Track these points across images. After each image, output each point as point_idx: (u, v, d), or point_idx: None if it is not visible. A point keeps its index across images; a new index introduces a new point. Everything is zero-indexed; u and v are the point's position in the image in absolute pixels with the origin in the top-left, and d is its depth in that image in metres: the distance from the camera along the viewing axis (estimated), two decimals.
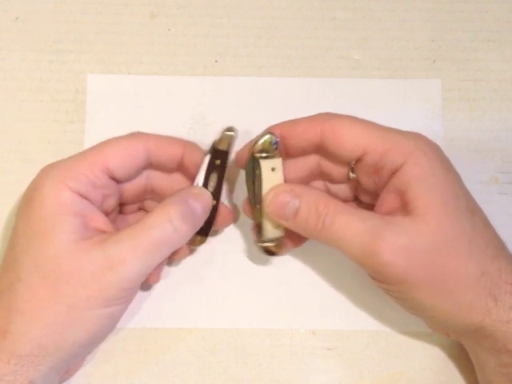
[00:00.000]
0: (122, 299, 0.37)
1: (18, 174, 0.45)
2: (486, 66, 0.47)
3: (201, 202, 0.38)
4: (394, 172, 0.36)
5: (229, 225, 0.43)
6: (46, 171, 0.38)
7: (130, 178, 0.40)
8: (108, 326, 0.38)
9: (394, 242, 0.35)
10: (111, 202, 0.40)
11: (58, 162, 0.39)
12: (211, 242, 0.44)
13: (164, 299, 0.43)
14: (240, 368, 0.43)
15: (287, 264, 0.44)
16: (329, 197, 0.37)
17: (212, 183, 0.40)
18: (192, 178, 0.40)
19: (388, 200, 0.37)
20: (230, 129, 0.40)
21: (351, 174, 0.39)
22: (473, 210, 0.36)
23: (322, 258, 0.44)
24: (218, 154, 0.40)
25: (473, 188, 0.44)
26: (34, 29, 0.47)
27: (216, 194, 0.40)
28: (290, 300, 0.44)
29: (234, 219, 0.44)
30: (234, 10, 0.48)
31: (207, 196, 0.39)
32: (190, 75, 0.47)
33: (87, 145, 0.45)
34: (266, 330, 0.43)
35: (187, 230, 0.37)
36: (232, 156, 0.41)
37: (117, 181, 0.39)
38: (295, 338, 0.43)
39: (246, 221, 0.44)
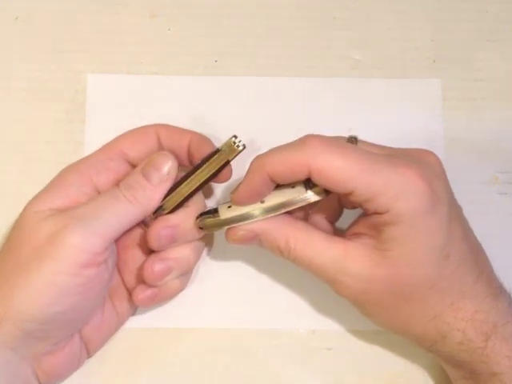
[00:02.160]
0: (79, 270, 0.36)
1: (18, 174, 0.45)
2: (486, 65, 0.47)
3: (162, 161, 0.39)
4: (376, 213, 0.36)
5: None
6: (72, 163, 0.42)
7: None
8: (69, 303, 0.37)
9: (356, 281, 0.37)
10: None
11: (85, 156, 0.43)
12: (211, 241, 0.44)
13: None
14: (240, 368, 0.43)
15: (287, 264, 0.44)
16: (291, 230, 0.38)
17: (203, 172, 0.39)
18: None
19: (359, 228, 0.38)
20: (243, 145, 0.39)
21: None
22: (447, 255, 0.36)
23: None
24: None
25: (473, 188, 0.44)
26: (34, 29, 0.47)
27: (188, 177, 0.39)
28: (290, 300, 0.44)
29: None
30: (234, 10, 0.48)
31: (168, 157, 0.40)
32: (190, 75, 0.47)
33: (87, 145, 0.45)
34: (265, 330, 0.43)
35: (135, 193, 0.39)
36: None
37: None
38: (295, 337, 0.43)
39: None
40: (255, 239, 0.39)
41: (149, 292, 0.40)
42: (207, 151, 0.40)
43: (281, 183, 0.37)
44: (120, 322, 0.42)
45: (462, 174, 0.44)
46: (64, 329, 0.39)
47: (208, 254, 0.44)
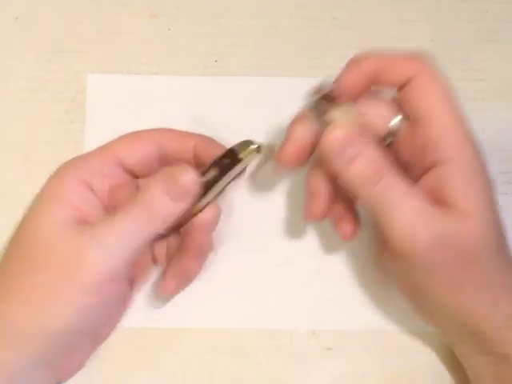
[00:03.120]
0: (99, 289, 0.37)
1: (18, 174, 0.45)
2: (486, 65, 0.47)
3: (182, 176, 0.38)
4: (439, 163, 0.36)
5: (211, 223, 0.41)
6: (62, 166, 0.41)
7: (145, 170, 0.41)
8: (89, 319, 0.38)
9: (433, 233, 0.35)
10: (124, 195, 0.40)
11: (75, 157, 0.42)
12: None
13: (164, 299, 0.43)
14: (240, 368, 0.43)
15: (287, 264, 0.44)
16: (386, 161, 0.36)
17: (210, 175, 0.39)
18: None
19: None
20: (258, 148, 0.40)
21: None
22: (499, 220, 0.37)
23: (323, 258, 0.44)
24: (231, 156, 0.40)
25: None
26: (34, 29, 0.47)
27: (208, 187, 0.39)
28: (290, 300, 0.44)
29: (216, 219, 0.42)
30: (234, 10, 0.48)
31: (189, 172, 0.38)
32: (190, 75, 0.47)
33: (87, 145, 0.45)
34: (265, 330, 0.43)
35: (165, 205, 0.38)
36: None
37: (134, 175, 0.41)
38: (295, 338, 0.43)
39: (247, 220, 0.44)
40: (350, 155, 0.36)
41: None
42: (216, 153, 0.40)
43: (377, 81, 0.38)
44: None
45: None
46: (87, 342, 0.40)
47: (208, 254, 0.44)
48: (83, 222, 0.38)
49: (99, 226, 0.37)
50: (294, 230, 0.45)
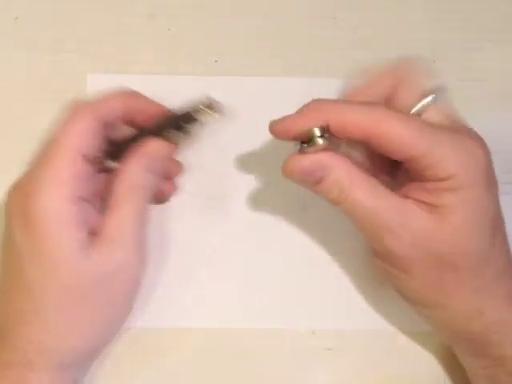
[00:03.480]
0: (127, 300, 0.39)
1: (17, 174, 0.45)
2: (487, 65, 0.47)
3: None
4: (436, 180, 0.35)
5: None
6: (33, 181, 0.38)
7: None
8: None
9: (409, 234, 0.35)
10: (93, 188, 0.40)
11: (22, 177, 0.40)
12: (211, 241, 0.44)
13: (164, 299, 0.43)
14: (240, 368, 0.43)
15: (287, 264, 0.44)
16: (354, 169, 0.36)
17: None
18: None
19: (417, 192, 0.37)
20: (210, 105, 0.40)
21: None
22: (495, 234, 0.36)
23: (323, 258, 0.44)
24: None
25: None
26: (34, 28, 0.47)
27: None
28: (290, 300, 0.44)
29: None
30: (234, 10, 0.48)
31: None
32: (189, 75, 0.47)
33: None
34: (265, 330, 0.43)
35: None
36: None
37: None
38: (295, 337, 0.43)
39: (247, 220, 0.44)
40: (317, 176, 0.37)
41: None
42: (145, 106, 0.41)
43: (333, 134, 0.36)
44: None
45: None
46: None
47: (208, 254, 0.44)
48: (90, 234, 0.38)
49: (106, 233, 0.38)
50: (294, 229, 0.45)
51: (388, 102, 0.38)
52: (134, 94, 0.41)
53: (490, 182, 0.36)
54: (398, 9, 0.48)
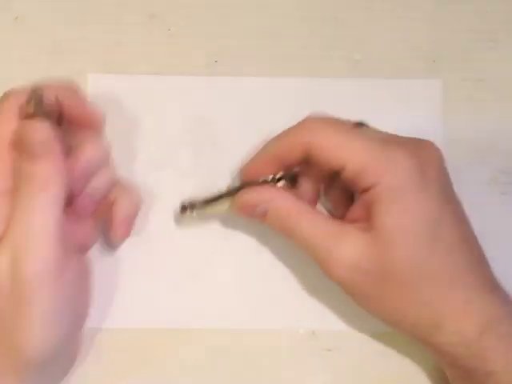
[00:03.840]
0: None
1: None
2: (487, 65, 0.47)
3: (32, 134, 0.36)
4: (365, 190, 0.36)
5: None
6: None
7: None
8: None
9: (345, 259, 0.37)
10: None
11: None
12: (211, 240, 0.44)
13: (163, 299, 0.43)
14: (239, 368, 0.43)
15: (288, 264, 0.44)
16: (294, 202, 0.39)
17: None
18: None
19: (356, 212, 0.38)
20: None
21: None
22: (436, 238, 0.36)
23: None
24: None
25: (473, 188, 0.44)
26: (34, 28, 0.47)
27: None
28: (290, 300, 0.44)
29: None
30: (234, 10, 0.48)
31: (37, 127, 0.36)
32: (190, 75, 0.47)
33: None
34: (265, 330, 0.43)
35: None
36: None
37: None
38: (295, 338, 0.43)
39: (247, 220, 0.44)
40: (258, 208, 0.39)
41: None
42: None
43: (283, 162, 0.39)
44: None
45: (462, 174, 0.44)
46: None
47: (207, 254, 0.44)
48: None
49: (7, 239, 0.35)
50: None
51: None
52: (71, 91, 0.40)
53: (422, 186, 0.36)
54: (398, 9, 0.48)
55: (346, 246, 0.37)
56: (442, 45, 0.47)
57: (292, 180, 0.40)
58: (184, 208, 0.42)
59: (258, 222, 0.44)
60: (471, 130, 0.46)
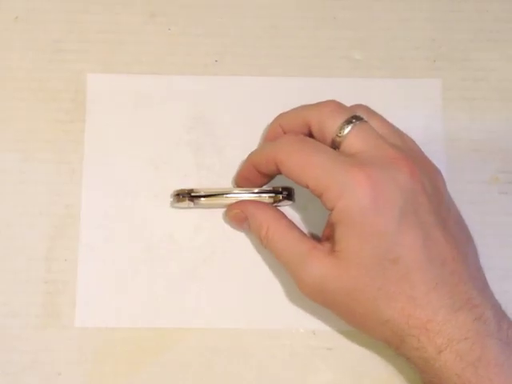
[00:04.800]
0: None
1: (17, 173, 0.45)
2: (487, 65, 0.47)
3: None
4: (330, 210, 0.38)
5: None
6: None
7: None
8: None
9: (310, 279, 0.38)
10: None
11: None
12: (211, 240, 0.44)
13: (164, 299, 0.43)
14: (240, 368, 0.43)
15: None
16: (273, 221, 0.40)
17: None
18: None
19: (327, 230, 0.41)
20: None
21: None
22: (395, 259, 0.36)
23: None
24: None
25: (473, 188, 0.44)
26: (34, 28, 0.47)
27: None
28: (291, 300, 0.44)
29: None
30: (234, 10, 0.48)
31: None
32: (190, 75, 0.47)
33: (87, 145, 0.45)
34: (266, 330, 0.43)
35: None
36: None
37: None
38: (295, 338, 0.43)
39: None
40: (245, 222, 0.42)
41: None
42: None
43: (262, 172, 0.42)
44: None
45: (462, 174, 0.44)
46: None
47: (208, 254, 0.44)
48: None
49: None
50: None
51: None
52: None
53: (381, 211, 0.36)
54: (398, 9, 0.48)
55: (312, 266, 0.38)
56: (442, 45, 0.47)
57: (288, 194, 0.42)
58: (178, 195, 0.43)
59: None
60: (471, 129, 0.46)
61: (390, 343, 0.38)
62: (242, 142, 0.45)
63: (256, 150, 0.43)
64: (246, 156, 0.44)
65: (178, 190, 0.43)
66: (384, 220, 0.36)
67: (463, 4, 0.48)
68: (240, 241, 0.44)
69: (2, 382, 0.42)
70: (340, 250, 0.37)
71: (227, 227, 0.44)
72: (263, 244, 0.41)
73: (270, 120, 0.45)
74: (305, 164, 0.38)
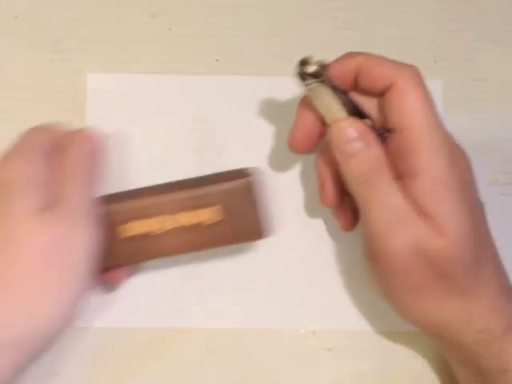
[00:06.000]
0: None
1: None
2: (487, 66, 0.47)
3: None
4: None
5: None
6: None
7: None
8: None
9: (410, 239, 0.36)
10: None
11: None
12: None
13: (164, 299, 0.43)
14: (240, 368, 0.43)
15: (288, 264, 0.44)
16: (384, 159, 0.37)
17: None
18: None
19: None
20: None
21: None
22: (485, 242, 0.38)
23: (323, 259, 0.44)
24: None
25: None
26: (34, 28, 0.47)
27: None
28: (291, 300, 0.44)
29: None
30: (234, 10, 0.48)
31: None
32: (190, 74, 0.47)
33: None
34: (266, 330, 0.43)
35: None
36: None
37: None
38: (296, 338, 0.43)
39: None
40: (354, 147, 0.37)
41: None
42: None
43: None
44: None
45: None
46: None
47: (208, 254, 0.44)
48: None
49: None
50: (294, 230, 0.45)
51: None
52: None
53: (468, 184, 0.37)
54: (398, 9, 0.48)
55: (409, 227, 0.36)
56: (442, 45, 0.47)
57: (384, 133, 0.37)
58: (305, 63, 0.37)
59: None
60: (472, 130, 0.46)
61: (450, 329, 0.37)
62: (243, 141, 0.45)
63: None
64: (246, 156, 0.44)
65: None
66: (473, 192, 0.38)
67: (463, 4, 0.48)
68: None
69: None
70: (440, 221, 0.36)
71: None
72: (366, 178, 0.37)
73: (270, 120, 0.45)
74: (394, 63, 0.37)
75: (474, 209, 0.37)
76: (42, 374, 0.42)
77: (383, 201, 0.36)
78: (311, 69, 0.36)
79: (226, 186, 0.39)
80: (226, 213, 0.39)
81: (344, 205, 0.41)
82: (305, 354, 0.43)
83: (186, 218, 0.39)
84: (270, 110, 0.46)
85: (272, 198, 0.45)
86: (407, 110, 0.36)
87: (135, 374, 0.43)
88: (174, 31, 0.47)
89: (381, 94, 0.38)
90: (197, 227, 0.39)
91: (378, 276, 0.38)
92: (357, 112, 0.37)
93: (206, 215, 0.39)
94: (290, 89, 0.46)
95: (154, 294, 0.44)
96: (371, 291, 0.43)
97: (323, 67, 0.36)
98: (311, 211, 0.45)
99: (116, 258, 0.40)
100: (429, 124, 0.36)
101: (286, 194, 0.45)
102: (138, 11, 0.47)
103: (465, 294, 0.36)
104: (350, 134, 0.37)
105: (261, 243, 0.44)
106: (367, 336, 0.43)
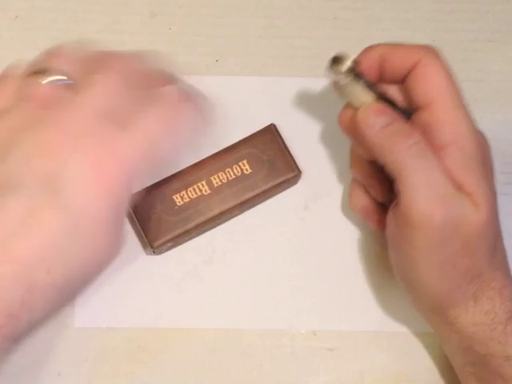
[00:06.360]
0: None
1: None
2: (487, 66, 0.47)
3: None
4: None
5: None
6: None
7: None
8: None
9: (452, 216, 0.35)
10: None
11: None
12: (212, 240, 0.44)
13: (164, 299, 0.43)
14: (240, 368, 0.43)
15: (288, 264, 0.44)
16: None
17: None
18: None
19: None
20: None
21: None
22: (500, 234, 0.38)
23: (324, 259, 0.44)
24: None
25: None
26: (34, 28, 0.47)
27: None
28: (291, 300, 0.44)
29: None
30: (234, 10, 0.48)
31: None
32: (190, 75, 0.47)
33: None
34: (266, 331, 0.43)
35: None
36: None
37: None
38: (296, 338, 0.43)
39: (247, 220, 0.44)
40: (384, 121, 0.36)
41: None
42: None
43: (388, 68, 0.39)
44: None
45: None
46: None
47: (208, 254, 0.44)
48: None
49: None
50: (295, 229, 0.45)
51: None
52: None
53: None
54: (398, 9, 0.48)
55: (448, 207, 0.35)
56: (442, 45, 0.47)
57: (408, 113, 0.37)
58: (337, 61, 0.36)
59: (259, 221, 0.44)
60: None
61: (457, 306, 0.37)
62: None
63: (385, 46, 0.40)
64: None
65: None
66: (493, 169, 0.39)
67: (463, 4, 0.48)
68: (241, 241, 0.44)
69: (2, 382, 0.42)
70: (475, 195, 0.36)
71: (227, 227, 0.44)
72: (399, 147, 0.36)
73: (270, 120, 0.44)
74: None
75: (494, 189, 0.38)
76: (42, 374, 0.42)
77: (427, 172, 0.35)
78: (345, 66, 0.35)
79: (254, 136, 0.44)
80: (259, 160, 0.43)
81: (375, 206, 0.41)
82: (305, 355, 0.43)
83: (228, 174, 0.43)
84: (270, 110, 0.46)
85: (273, 197, 0.45)
86: (433, 83, 0.37)
87: (135, 374, 0.42)
88: (175, 31, 0.47)
89: (403, 80, 0.38)
90: (239, 179, 0.43)
91: (401, 249, 0.37)
92: (389, 103, 0.37)
93: (244, 166, 0.43)
94: (290, 89, 0.47)
95: (153, 294, 0.44)
96: (372, 292, 0.43)
97: (356, 63, 0.36)
98: (313, 209, 0.45)
99: (175, 226, 0.42)
100: (454, 97, 0.37)
101: (287, 192, 0.45)
102: (138, 10, 0.47)
103: (479, 274, 0.37)
104: (378, 110, 0.37)
105: (261, 243, 0.44)
106: (367, 336, 0.43)
